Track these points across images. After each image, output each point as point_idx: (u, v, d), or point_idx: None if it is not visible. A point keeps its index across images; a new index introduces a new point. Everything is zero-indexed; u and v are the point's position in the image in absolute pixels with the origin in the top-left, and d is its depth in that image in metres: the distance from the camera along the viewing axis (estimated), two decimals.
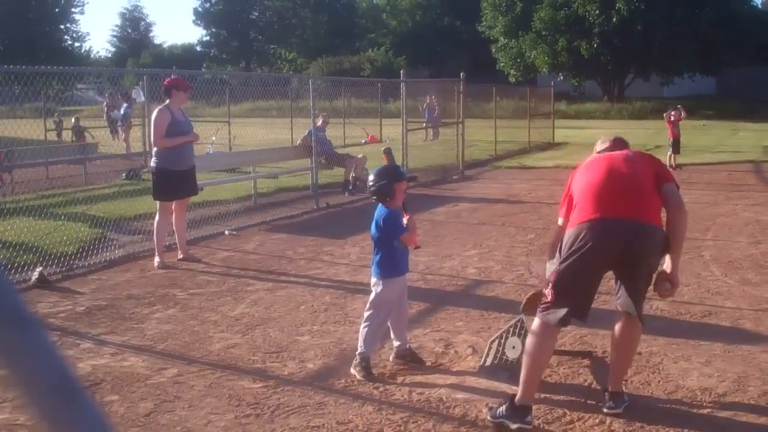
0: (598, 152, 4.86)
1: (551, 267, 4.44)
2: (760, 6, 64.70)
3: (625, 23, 44.33)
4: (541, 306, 4.38)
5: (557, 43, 46.96)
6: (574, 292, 4.28)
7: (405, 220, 5.23)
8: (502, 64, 52.04)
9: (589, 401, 4.69)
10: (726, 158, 20.50)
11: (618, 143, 4.91)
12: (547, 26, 46.79)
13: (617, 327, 4.56)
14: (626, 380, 4.97)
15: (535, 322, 4.40)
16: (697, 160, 19.48)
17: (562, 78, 47.63)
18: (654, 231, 4.35)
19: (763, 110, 41.18)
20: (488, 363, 5.11)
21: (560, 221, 4.66)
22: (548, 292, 4.33)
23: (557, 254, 4.36)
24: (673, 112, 18.59)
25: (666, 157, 18.24)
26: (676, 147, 18.11)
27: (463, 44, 64.47)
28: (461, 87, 18.06)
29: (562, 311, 4.29)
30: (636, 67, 48.86)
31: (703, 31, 44.31)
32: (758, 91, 49.09)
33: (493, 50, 52.67)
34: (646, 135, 28.15)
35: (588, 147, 21.43)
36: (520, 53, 49.88)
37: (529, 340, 4.41)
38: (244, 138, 20.37)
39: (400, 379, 5.10)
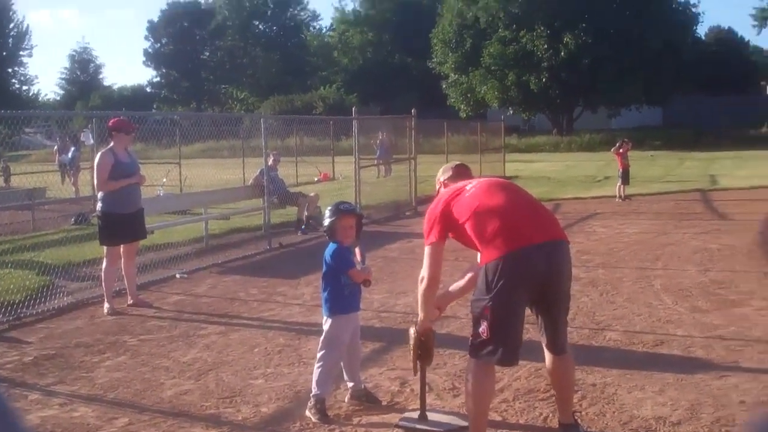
0: (444, 181, 4.88)
1: (480, 302, 4.23)
2: (703, 37, 66.40)
3: (572, 57, 45.14)
4: (476, 344, 4.25)
5: (507, 78, 47.63)
6: (509, 328, 4.19)
7: (357, 260, 5.24)
8: (452, 100, 52.59)
9: None
10: (673, 188, 20.87)
11: (462, 170, 4.95)
12: (497, 61, 47.47)
13: (550, 362, 4.54)
14: (581, 412, 4.98)
15: (472, 363, 4.31)
16: (645, 191, 19.80)
17: (512, 112, 48.27)
18: (569, 249, 4.41)
19: (708, 140, 42.11)
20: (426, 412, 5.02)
21: (430, 249, 4.46)
22: (483, 329, 4.19)
23: (483, 290, 4.21)
24: (624, 143, 18.91)
25: (616, 188, 18.54)
26: (625, 178, 18.40)
27: (414, 80, 65.06)
28: (413, 123, 18.17)
29: (500, 350, 4.19)
30: (584, 100, 49.71)
31: (648, 62, 45.29)
32: (703, 120, 50.19)
33: (444, 86, 53.23)
34: (597, 167, 28.59)
35: (538, 180, 21.54)
36: (470, 88, 50.48)
37: (469, 382, 4.34)
38: (196, 179, 20.24)
39: (356, 420, 5.06)
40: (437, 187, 4.98)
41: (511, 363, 4.40)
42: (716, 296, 8.26)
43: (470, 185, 4.53)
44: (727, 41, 70.00)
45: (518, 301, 4.21)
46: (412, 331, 4.85)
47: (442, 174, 4.95)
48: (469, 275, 4.87)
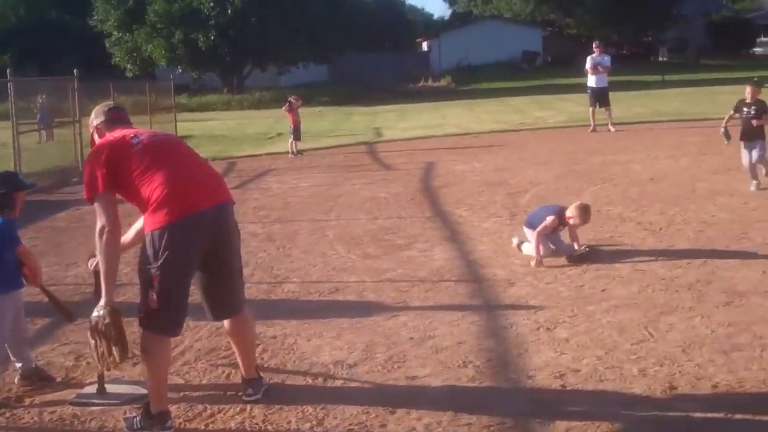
0: (97, 126, 4.43)
1: (148, 270, 4.05)
2: None
3: (240, 16, 45.10)
4: (144, 314, 4.11)
5: (174, 36, 46.48)
6: (176, 298, 4.10)
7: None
8: (117, 59, 50.42)
9: (229, 392, 4.71)
10: (342, 141, 21.63)
11: (117, 113, 4.55)
12: (162, 19, 46.12)
13: (228, 324, 4.55)
14: (263, 364, 5.07)
15: (145, 334, 4.16)
16: (316, 145, 20.38)
17: (181, 71, 47.30)
18: (233, 210, 4.40)
19: (372, 94, 44.35)
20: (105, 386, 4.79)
21: (100, 202, 4.09)
22: (151, 299, 4.05)
23: (150, 258, 4.03)
24: (292, 100, 19.28)
25: (288, 144, 18.91)
26: (297, 134, 18.79)
27: (75, 40, 61.37)
28: (75, 84, 17.19)
29: (168, 320, 4.11)
30: (253, 58, 50.00)
31: (313, 22, 46.53)
32: (367, 75, 52.89)
33: (108, 45, 50.83)
34: (269, 124, 28.94)
35: (212, 138, 21.29)
36: (136, 47, 48.64)
37: (145, 352, 4.19)
38: None
39: (28, 401, 4.75)
40: (90, 131, 4.53)
41: (176, 334, 4.29)
42: (385, 242, 8.76)
43: (136, 139, 4.20)
44: (386, 2, 73.92)
45: (186, 271, 4.13)
46: (94, 315, 4.20)
47: (95, 118, 4.49)
48: (138, 226, 4.51)
